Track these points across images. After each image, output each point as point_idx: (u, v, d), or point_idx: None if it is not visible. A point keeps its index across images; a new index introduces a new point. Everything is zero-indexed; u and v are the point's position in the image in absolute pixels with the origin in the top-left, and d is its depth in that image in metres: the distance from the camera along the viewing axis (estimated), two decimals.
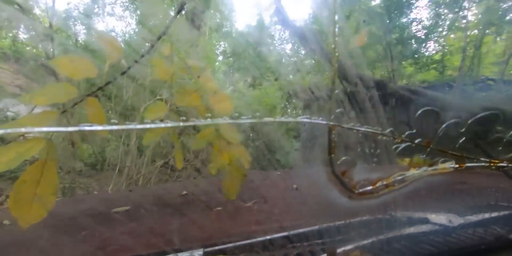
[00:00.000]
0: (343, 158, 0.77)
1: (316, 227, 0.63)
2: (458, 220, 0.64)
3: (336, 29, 0.69)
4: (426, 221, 0.65)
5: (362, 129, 0.73)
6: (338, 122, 0.70)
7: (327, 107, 0.69)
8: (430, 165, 0.77)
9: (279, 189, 1.34)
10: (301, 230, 0.62)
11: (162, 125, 0.54)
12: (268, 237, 0.60)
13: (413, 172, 0.74)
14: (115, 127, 0.52)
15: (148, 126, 0.54)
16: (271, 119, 0.65)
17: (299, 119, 0.67)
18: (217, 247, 0.59)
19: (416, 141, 0.79)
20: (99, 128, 0.51)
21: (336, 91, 0.74)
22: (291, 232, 0.61)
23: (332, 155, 0.70)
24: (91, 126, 0.51)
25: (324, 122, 0.69)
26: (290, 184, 1.35)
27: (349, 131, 0.73)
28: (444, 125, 0.80)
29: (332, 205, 0.71)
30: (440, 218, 0.65)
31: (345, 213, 0.69)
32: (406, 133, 0.81)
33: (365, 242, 0.56)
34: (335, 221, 0.67)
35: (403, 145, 0.78)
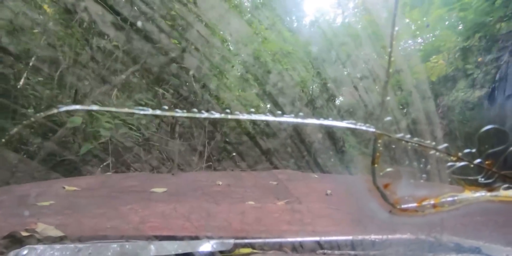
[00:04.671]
0: (388, 169, 0.72)
1: (350, 237, 0.60)
2: None
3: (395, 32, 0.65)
4: (477, 250, 0.58)
5: (413, 141, 0.68)
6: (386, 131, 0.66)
7: None
8: (490, 190, 0.69)
9: (314, 192, 1.31)
10: (333, 238, 0.60)
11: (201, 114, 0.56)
12: (299, 239, 0.59)
13: (467, 195, 0.67)
14: (166, 113, 0.56)
15: (186, 114, 0.57)
16: (314, 120, 0.64)
17: (345, 124, 0.65)
18: (246, 240, 0.60)
19: (476, 161, 0.70)
20: (149, 112, 0.56)
21: (388, 98, 0.69)
22: (323, 238, 0.60)
23: (375, 165, 0.67)
24: (143, 110, 0.55)
25: (371, 129, 0.65)
26: (324, 189, 1.31)
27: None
28: None
29: (368, 217, 0.67)
30: (495, 251, 0.57)
31: (382, 228, 0.65)
32: (465, 151, 0.73)
33: None
34: (370, 234, 0.64)
35: (459, 164, 0.71)
